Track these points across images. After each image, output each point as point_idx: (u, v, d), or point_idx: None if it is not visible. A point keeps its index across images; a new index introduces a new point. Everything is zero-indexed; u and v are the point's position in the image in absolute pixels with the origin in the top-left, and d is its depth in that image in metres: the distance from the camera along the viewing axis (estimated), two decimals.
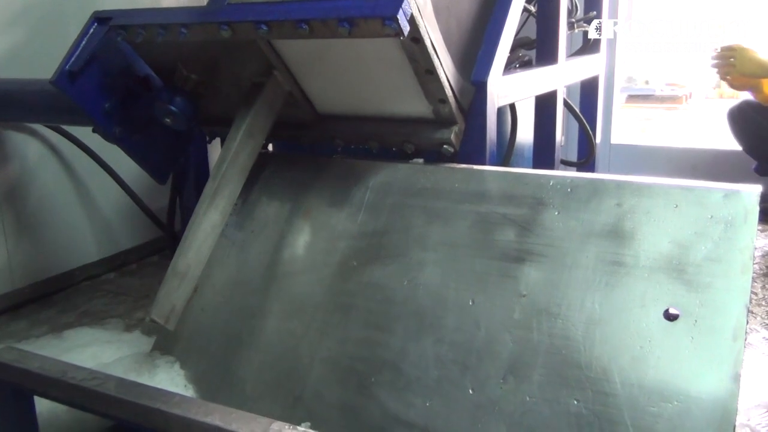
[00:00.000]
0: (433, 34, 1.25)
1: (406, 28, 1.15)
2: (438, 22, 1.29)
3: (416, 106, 1.38)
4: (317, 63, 1.38)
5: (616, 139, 3.40)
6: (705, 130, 4.78)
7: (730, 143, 2.95)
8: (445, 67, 1.31)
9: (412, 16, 1.16)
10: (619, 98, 3.62)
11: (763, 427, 1.35)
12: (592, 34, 2.41)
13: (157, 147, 1.64)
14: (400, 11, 1.13)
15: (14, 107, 1.79)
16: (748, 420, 1.38)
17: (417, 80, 1.31)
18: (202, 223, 1.40)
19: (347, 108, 1.48)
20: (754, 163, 2.79)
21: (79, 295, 2.15)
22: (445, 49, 1.32)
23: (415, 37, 1.22)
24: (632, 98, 6.17)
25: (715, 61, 2.56)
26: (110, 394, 0.95)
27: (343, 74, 1.39)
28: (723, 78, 2.59)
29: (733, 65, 2.50)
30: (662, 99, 6.36)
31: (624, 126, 4.04)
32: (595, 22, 2.40)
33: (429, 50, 1.25)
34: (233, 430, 0.83)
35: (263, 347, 1.28)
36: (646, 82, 6.42)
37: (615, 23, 2.60)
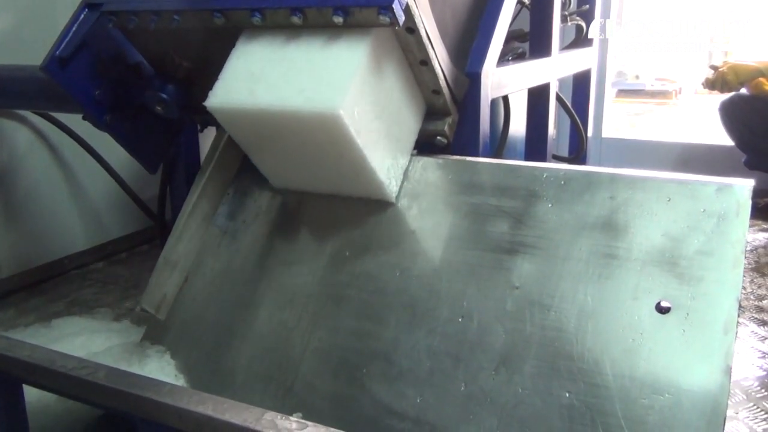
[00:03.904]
0: (428, 24, 1.25)
1: (401, 18, 1.14)
2: (433, 13, 1.28)
3: (374, 191, 1.29)
4: (267, 147, 1.30)
5: (607, 133, 3.41)
6: (695, 124, 4.80)
7: (720, 138, 2.96)
8: (439, 57, 1.30)
9: (407, 6, 1.15)
10: (609, 93, 3.62)
11: (751, 420, 1.37)
12: (593, 34, 2.42)
13: (148, 135, 1.62)
14: (396, 1, 1.12)
15: (3, 94, 1.76)
16: (737, 413, 1.39)
17: (371, 166, 1.22)
18: (193, 212, 1.39)
19: (303, 188, 1.38)
20: (743, 158, 2.81)
21: (67, 284, 2.14)
22: (440, 39, 1.31)
23: (410, 27, 1.21)
24: (622, 93, 6.19)
25: (711, 84, 2.67)
26: (101, 383, 0.94)
27: (293, 159, 1.30)
28: (721, 92, 2.71)
29: (728, 81, 2.60)
30: (652, 94, 6.39)
31: (614, 121, 4.05)
32: (595, 21, 2.41)
33: (424, 40, 1.24)
34: (226, 420, 0.83)
35: (255, 338, 1.27)
36: (637, 77, 6.45)
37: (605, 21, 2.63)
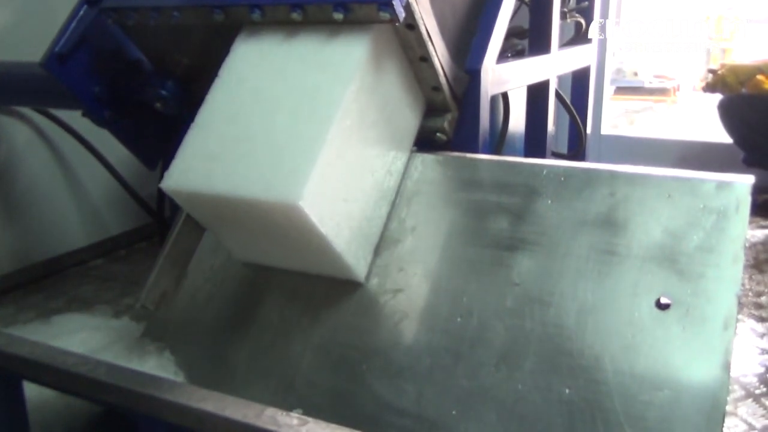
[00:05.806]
0: (427, 21, 1.25)
1: (401, 14, 1.14)
2: (432, 9, 1.28)
3: (341, 272, 1.22)
4: (227, 227, 1.25)
5: (605, 130, 3.41)
6: (693, 122, 4.81)
7: (718, 135, 2.97)
8: (439, 54, 1.30)
9: (407, 2, 1.15)
10: (608, 90, 3.62)
11: (750, 416, 1.37)
12: (592, 35, 2.42)
13: (148, 132, 1.63)
14: None
15: (2, 90, 1.76)
16: (736, 409, 1.39)
17: (337, 251, 1.15)
18: None
19: (268, 263, 1.32)
20: (741, 155, 2.82)
21: (67, 281, 2.14)
22: (440, 36, 1.31)
23: (410, 23, 1.21)
24: (621, 90, 6.19)
25: (711, 88, 2.69)
26: (101, 380, 0.94)
27: (256, 239, 1.24)
28: (723, 94, 2.73)
29: (728, 83, 2.62)
30: (651, 91, 6.38)
31: (612, 118, 4.05)
32: (594, 22, 2.41)
33: (424, 37, 1.24)
34: (226, 416, 0.83)
35: (255, 334, 1.27)
36: (635, 74, 6.44)
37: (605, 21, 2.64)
